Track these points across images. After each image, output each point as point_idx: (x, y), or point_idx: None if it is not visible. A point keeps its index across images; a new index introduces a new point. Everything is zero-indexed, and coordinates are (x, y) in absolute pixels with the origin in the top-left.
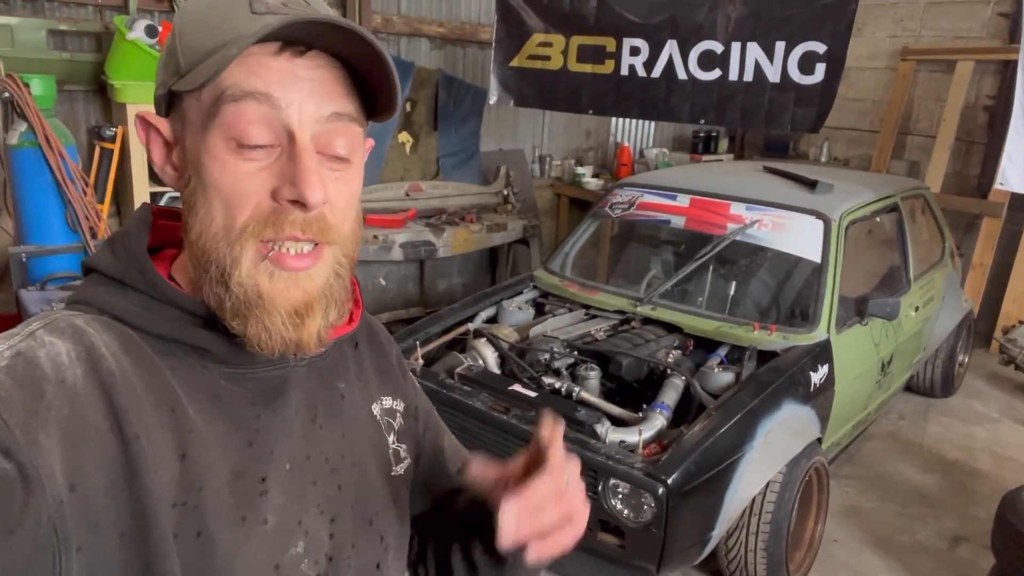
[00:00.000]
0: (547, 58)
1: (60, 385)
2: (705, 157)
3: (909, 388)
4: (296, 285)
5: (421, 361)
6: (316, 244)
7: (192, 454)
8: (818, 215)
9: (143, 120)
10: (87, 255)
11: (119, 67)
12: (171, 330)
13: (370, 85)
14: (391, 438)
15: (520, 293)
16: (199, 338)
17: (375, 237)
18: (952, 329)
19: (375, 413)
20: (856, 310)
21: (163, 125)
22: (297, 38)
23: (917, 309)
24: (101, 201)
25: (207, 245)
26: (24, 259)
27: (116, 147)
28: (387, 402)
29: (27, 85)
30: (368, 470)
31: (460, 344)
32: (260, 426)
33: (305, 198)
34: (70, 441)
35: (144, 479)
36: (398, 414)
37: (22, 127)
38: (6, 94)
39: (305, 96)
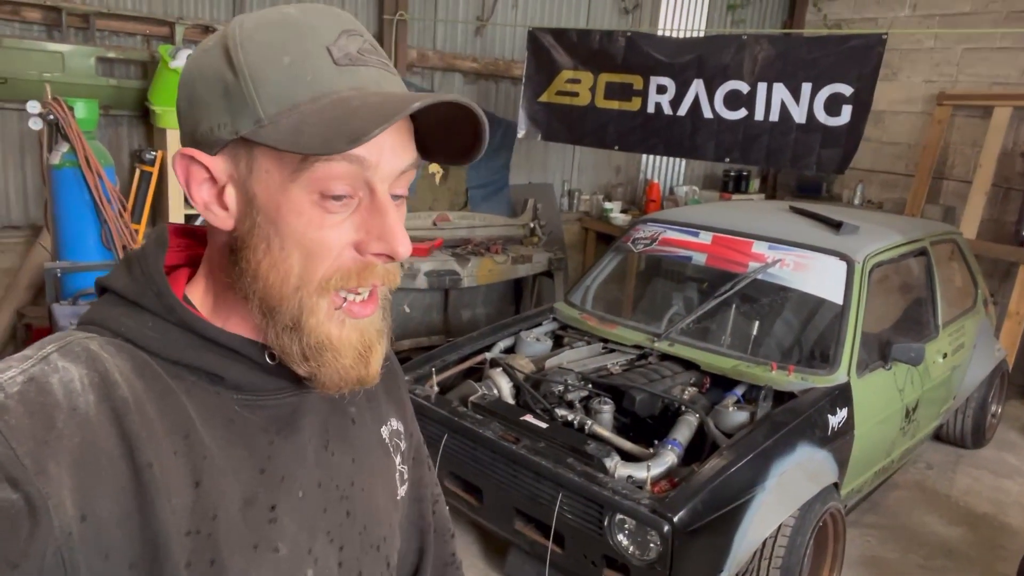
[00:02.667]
0: (575, 94)
1: (72, 413)
2: (735, 196)
3: (938, 437)
4: (362, 330)
5: (436, 388)
6: (372, 286)
7: (206, 481)
8: (841, 256)
9: (186, 157)
10: (103, 274)
11: (161, 94)
12: (185, 355)
13: (433, 131)
14: (397, 459)
15: (539, 324)
16: (213, 364)
17: (400, 265)
18: (984, 378)
19: (384, 436)
20: (880, 354)
21: (213, 164)
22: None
23: (945, 356)
24: (138, 221)
25: (280, 292)
26: (59, 274)
27: (155, 170)
28: (394, 423)
29: (71, 108)
30: (376, 495)
31: (477, 373)
32: (272, 453)
33: (398, 254)
34: (81, 470)
35: (156, 508)
36: (403, 435)
37: (64, 148)
38: (51, 116)
39: (388, 154)
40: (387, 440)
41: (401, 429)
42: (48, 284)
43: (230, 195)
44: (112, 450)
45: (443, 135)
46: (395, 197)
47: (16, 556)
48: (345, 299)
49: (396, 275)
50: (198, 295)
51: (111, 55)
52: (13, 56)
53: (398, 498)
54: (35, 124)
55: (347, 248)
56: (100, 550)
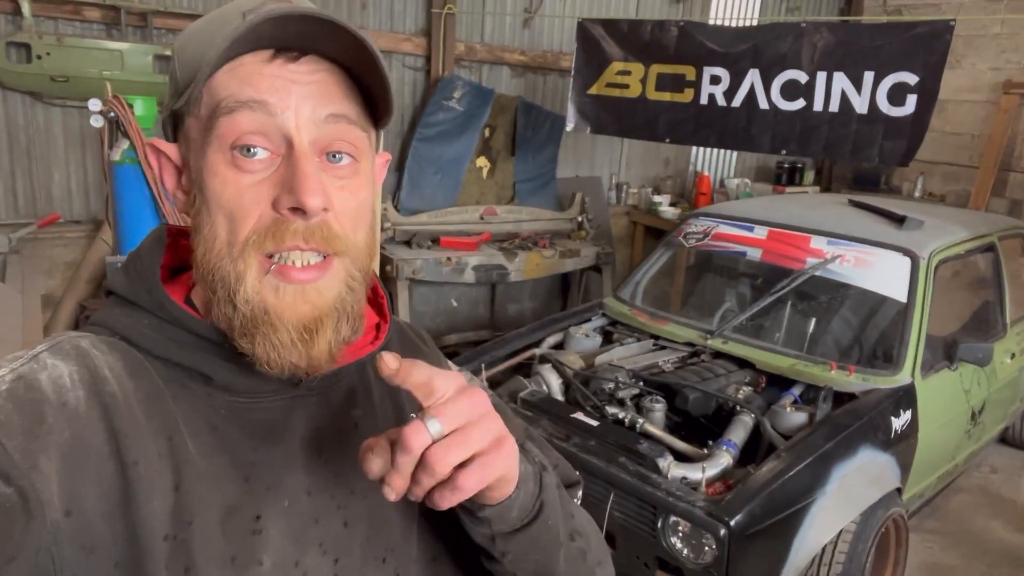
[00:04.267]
0: (625, 86)
1: (61, 408)
2: (789, 189)
3: (1003, 440)
4: (304, 299)
5: (485, 384)
6: (325, 256)
7: (186, 486)
8: (905, 252)
9: (153, 148)
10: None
11: None
12: (176, 354)
13: (371, 90)
14: None
15: (588, 320)
16: (203, 363)
17: (448, 259)
18: None
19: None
20: (945, 354)
21: (172, 150)
22: (289, 44)
23: (1013, 356)
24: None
25: (212, 263)
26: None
27: None
28: None
29: (131, 106)
30: (383, 503)
31: (526, 369)
32: (257, 460)
33: (304, 203)
34: (69, 465)
35: (140, 507)
36: None
37: (124, 145)
38: (112, 114)
39: (301, 100)
40: None
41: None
42: (110, 277)
43: (185, 176)
44: (101, 446)
45: (379, 90)
46: (333, 156)
47: (12, 550)
48: (275, 261)
49: (335, 239)
50: (198, 297)
51: (168, 53)
52: (74, 55)
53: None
54: (96, 121)
55: (267, 207)
56: (85, 546)
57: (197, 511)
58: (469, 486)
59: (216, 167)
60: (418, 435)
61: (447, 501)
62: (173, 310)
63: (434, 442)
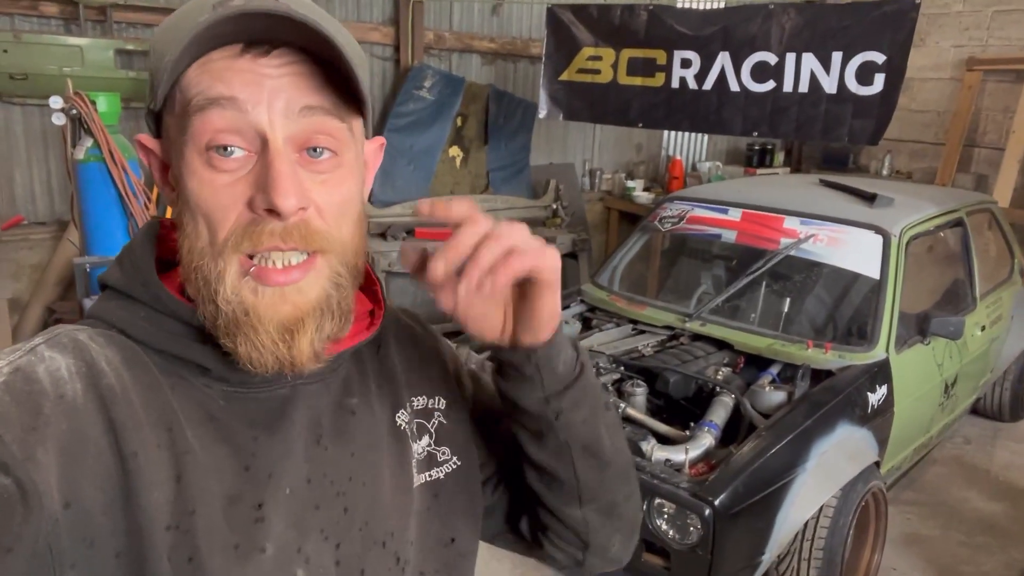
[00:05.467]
0: (597, 72)
1: (59, 400)
2: (760, 171)
3: (975, 411)
4: (284, 300)
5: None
6: (308, 254)
7: (186, 476)
8: (877, 230)
9: (140, 144)
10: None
11: None
12: (172, 345)
13: (347, 78)
14: (422, 443)
15: (567, 307)
16: (199, 355)
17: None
18: (1022, 350)
19: (399, 423)
20: (918, 329)
21: (156, 147)
22: (257, 37)
23: (983, 328)
24: (162, 214)
25: (195, 262)
26: (88, 269)
27: None
28: (420, 402)
29: (94, 102)
30: (382, 489)
31: None
32: (257, 449)
33: (276, 205)
34: (68, 457)
35: (140, 498)
36: (437, 413)
37: (88, 143)
38: (74, 111)
39: (273, 94)
40: (403, 426)
41: (438, 406)
42: (78, 279)
43: (170, 173)
44: (99, 438)
45: (347, 78)
46: (313, 151)
47: (10, 541)
48: (255, 263)
49: (316, 237)
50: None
51: (129, 47)
52: (32, 51)
53: (417, 484)
54: (58, 119)
55: (244, 208)
56: (85, 538)
57: (199, 501)
58: (520, 263)
59: (193, 167)
60: (474, 226)
61: (502, 276)
62: (169, 302)
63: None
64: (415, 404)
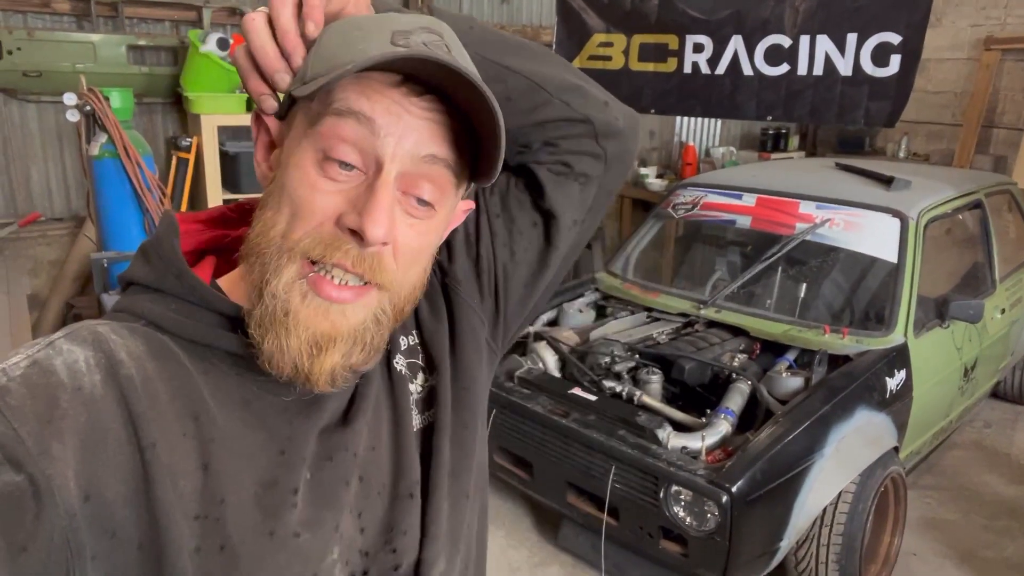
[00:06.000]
0: (608, 58)
1: (77, 392)
2: (774, 155)
3: (995, 395)
4: (326, 315)
5: None
6: (366, 283)
7: (215, 464)
8: (894, 213)
9: (255, 117)
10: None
11: (194, 79)
12: (205, 335)
13: (481, 144)
14: (418, 380)
15: (581, 295)
16: (234, 344)
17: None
18: None
19: (397, 368)
20: (937, 312)
21: (274, 125)
22: (420, 78)
23: (1003, 311)
24: (177, 208)
25: (261, 246)
26: (105, 264)
27: (191, 156)
28: (410, 340)
29: (107, 98)
30: (388, 447)
31: (520, 347)
32: (292, 433)
33: (365, 230)
34: (86, 449)
35: (157, 490)
36: (418, 346)
37: (103, 139)
38: (88, 107)
39: (407, 131)
40: (402, 371)
41: (414, 341)
42: (96, 274)
43: (275, 154)
44: (119, 430)
45: (490, 149)
46: (417, 201)
47: (24, 539)
48: (315, 269)
49: (383, 272)
50: (227, 280)
51: (141, 43)
52: (46, 48)
53: (415, 430)
54: (72, 116)
55: (330, 220)
56: (105, 530)
57: (229, 489)
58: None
59: (304, 161)
60: (251, 22)
61: (317, 14)
62: (206, 293)
63: None
64: (407, 342)
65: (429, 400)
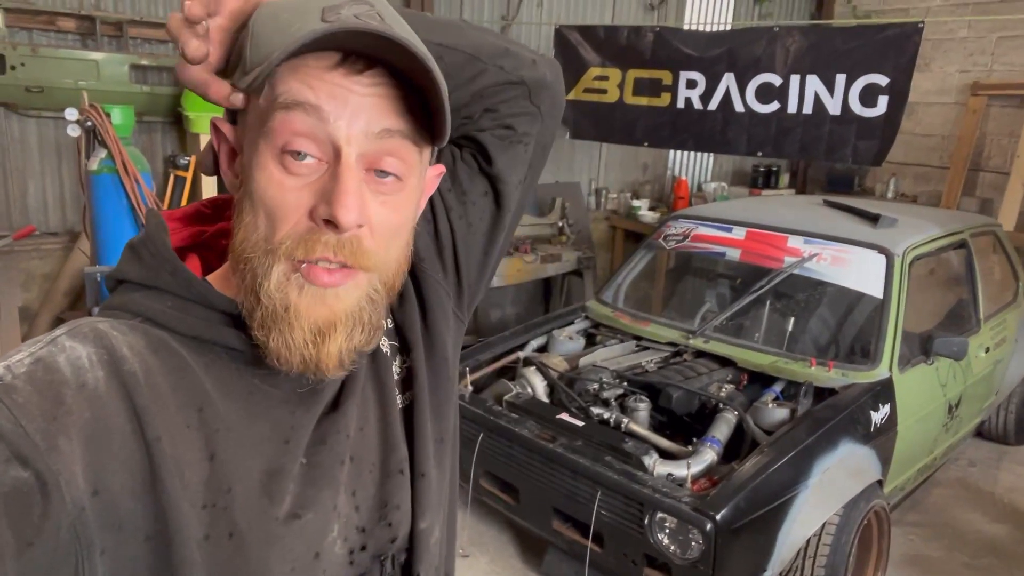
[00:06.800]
0: (603, 91)
1: (81, 389)
2: (765, 192)
3: (980, 434)
4: (322, 302)
5: (470, 387)
6: (351, 267)
7: (221, 454)
8: (880, 249)
9: (214, 126)
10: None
11: (194, 99)
12: (203, 331)
13: (429, 107)
14: (397, 361)
15: (572, 323)
16: (231, 339)
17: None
18: None
19: (383, 348)
20: (921, 348)
21: (230, 131)
22: (355, 52)
23: (988, 350)
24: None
25: (247, 253)
26: (98, 278)
27: (189, 175)
28: (387, 323)
29: (108, 115)
30: (370, 429)
31: (510, 372)
32: (295, 422)
33: (337, 218)
34: (92, 445)
35: (164, 482)
36: (403, 329)
37: (102, 154)
38: (89, 123)
39: (356, 111)
40: (386, 351)
41: (395, 322)
42: (88, 288)
43: (239, 160)
44: (124, 425)
45: (436, 109)
46: (380, 173)
47: (31, 534)
48: (304, 263)
49: (364, 255)
50: (219, 278)
51: (144, 62)
52: (49, 65)
53: (398, 408)
54: (73, 131)
55: (304, 215)
56: (113, 523)
57: (236, 477)
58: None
59: (265, 162)
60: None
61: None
62: (201, 289)
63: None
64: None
65: (408, 380)
